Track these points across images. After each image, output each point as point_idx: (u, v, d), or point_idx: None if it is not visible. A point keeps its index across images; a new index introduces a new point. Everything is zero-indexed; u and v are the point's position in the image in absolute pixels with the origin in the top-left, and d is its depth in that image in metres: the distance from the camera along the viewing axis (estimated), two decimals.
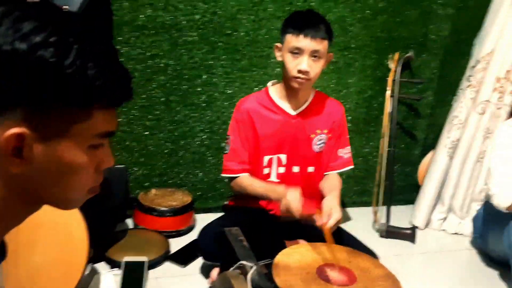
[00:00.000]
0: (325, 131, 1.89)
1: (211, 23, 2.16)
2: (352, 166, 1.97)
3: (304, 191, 1.72)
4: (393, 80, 2.46)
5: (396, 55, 2.47)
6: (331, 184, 1.86)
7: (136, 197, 2.18)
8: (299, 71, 1.67)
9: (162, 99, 2.21)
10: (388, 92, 2.45)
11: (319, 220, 1.56)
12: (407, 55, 2.50)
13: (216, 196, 2.42)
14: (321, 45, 1.67)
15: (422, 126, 2.75)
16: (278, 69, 2.28)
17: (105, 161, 0.68)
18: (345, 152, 1.96)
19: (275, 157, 1.87)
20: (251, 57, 2.26)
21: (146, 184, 2.30)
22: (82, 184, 0.66)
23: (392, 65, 2.47)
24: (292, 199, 1.62)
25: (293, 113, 1.83)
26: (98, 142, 0.64)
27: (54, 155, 0.60)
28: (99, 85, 0.59)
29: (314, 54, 1.67)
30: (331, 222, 1.54)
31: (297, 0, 2.25)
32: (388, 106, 2.46)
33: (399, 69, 2.46)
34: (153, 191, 2.24)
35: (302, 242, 1.78)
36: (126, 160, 2.22)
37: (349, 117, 2.53)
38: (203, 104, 2.27)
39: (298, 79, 1.70)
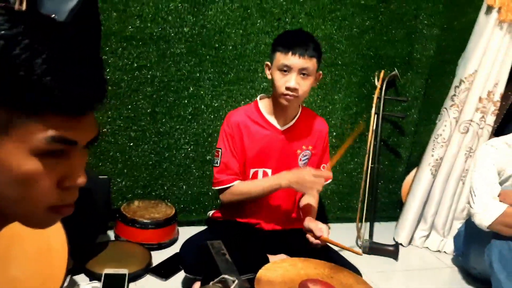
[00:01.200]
0: (310, 147, 1.93)
1: (199, 36, 2.17)
2: (331, 180, 1.99)
3: (286, 205, 1.79)
4: (378, 98, 2.49)
5: (382, 73, 2.51)
6: (307, 205, 1.93)
7: (118, 208, 2.15)
8: (288, 88, 1.69)
9: (148, 110, 2.20)
10: (373, 110, 2.48)
11: (316, 235, 1.67)
12: (393, 73, 2.54)
13: (199, 209, 2.40)
14: (310, 63, 1.69)
15: (406, 143, 2.78)
16: (265, 83, 2.30)
17: (71, 177, 0.61)
18: (327, 167, 1.98)
19: (260, 170, 1.88)
20: (239, 71, 2.27)
21: (129, 195, 2.28)
22: (37, 198, 0.59)
23: (377, 82, 2.50)
24: (308, 171, 1.71)
25: (281, 128, 1.85)
26: (51, 148, 0.57)
27: None
28: (45, 83, 0.54)
29: (303, 72, 1.69)
30: (325, 233, 1.67)
31: (285, 16, 2.28)
32: (373, 123, 2.48)
33: (384, 87, 2.50)
34: (136, 202, 2.22)
35: (283, 256, 1.78)
36: (109, 171, 2.20)
37: (334, 133, 2.56)
38: (189, 117, 2.27)
39: (287, 96, 1.71)
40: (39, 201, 0.60)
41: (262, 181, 1.84)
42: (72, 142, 0.59)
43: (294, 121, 1.87)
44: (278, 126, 1.85)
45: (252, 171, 1.87)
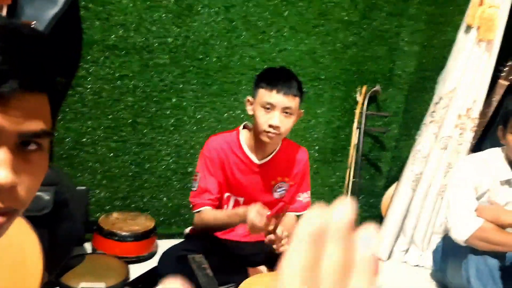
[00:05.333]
0: (286, 178, 1.91)
1: (183, 46, 2.16)
2: (306, 210, 1.99)
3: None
4: (360, 113, 2.51)
5: (364, 88, 2.53)
6: (286, 225, 1.86)
7: (96, 220, 2.10)
8: (270, 126, 1.68)
9: (129, 120, 2.17)
10: (355, 124, 2.50)
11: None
12: (374, 88, 2.57)
13: (180, 221, 2.37)
14: (293, 102, 1.69)
15: (386, 158, 2.80)
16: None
17: None
18: (305, 197, 1.98)
19: (233, 198, 1.89)
20: (222, 83, 2.26)
21: (108, 207, 2.23)
22: None
23: (359, 97, 2.52)
24: (254, 216, 1.59)
25: (258, 162, 1.85)
26: None
27: None
28: None
29: (286, 111, 1.68)
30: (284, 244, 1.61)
31: (270, 29, 2.29)
32: (354, 138, 2.50)
33: (366, 102, 2.52)
34: (115, 214, 2.17)
35: (263, 268, 1.77)
36: (88, 182, 2.16)
37: (317, 147, 2.56)
38: (171, 128, 2.24)
39: (269, 134, 1.70)
40: None
41: (223, 214, 1.80)
42: None
43: (272, 155, 1.87)
44: (255, 160, 1.84)
45: (226, 195, 1.88)
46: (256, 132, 1.77)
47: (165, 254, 1.79)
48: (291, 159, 1.92)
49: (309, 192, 2.00)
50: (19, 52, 0.50)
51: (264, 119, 1.69)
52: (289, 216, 1.95)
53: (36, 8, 1.71)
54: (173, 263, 1.69)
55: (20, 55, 0.51)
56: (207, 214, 1.81)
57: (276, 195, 1.91)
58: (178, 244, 1.85)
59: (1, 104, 0.49)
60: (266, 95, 1.68)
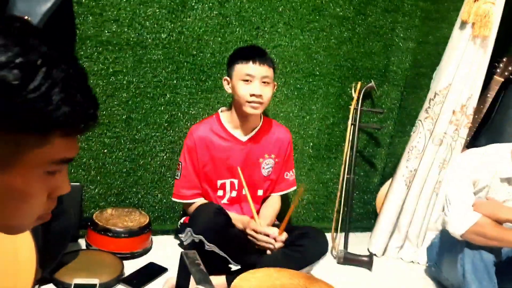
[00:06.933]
0: (273, 156, 2.03)
1: (177, 42, 2.15)
2: (295, 187, 2.11)
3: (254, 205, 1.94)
4: (355, 109, 2.51)
5: (359, 85, 2.53)
6: (269, 208, 2.05)
7: (90, 216, 2.10)
8: (252, 95, 1.80)
9: (123, 116, 2.16)
10: (350, 120, 2.50)
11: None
12: (369, 85, 2.56)
13: (174, 217, 2.36)
14: (269, 72, 1.84)
15: (381, 154, 2.80)
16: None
17: (59, 188, 0.63)
18: (290, 175, 2.13)
19: (228, 181, 1.95)
20: (216, 79, 2.25)
21: (102, 203, 2.22)
22: (32, 212, 0.61)
23: (354, 94, 2.52)
24: (265, 242, 1.80)
25: (243, 139, 1.93)
26: (54, 169, 0.60)
27: (6, 180, 0.56)
28: (62, 112, 0.54)
29: (264, 80, 1.82)
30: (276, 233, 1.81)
31: (264, 25, 2.28)
32: (349, 134, 2.50)
33: (361, 98, 2.52)
34: (109, 210, 2.17)
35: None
36: (81, 178, 2.15)
37: (311, 143, 2.56)
38: (165, 124, 2.24)
39: (252, 103, 1.82)
40: (35, 213, 0.62)
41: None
42: (71, 160, 0.62)
43: (255, 131, 1.97)
44: (240, 138, 1.95)
45: (219, 182, 1.96)
46: (238, 108, 1.89)
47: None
48: (275, 136, 2.03)
49: (293, 170, 2.15)
50: (94, 97, 0.61)
51: (245, 91, 1.81)
52: (273, 197, 2.10)
53: (28, 3, 1.70)
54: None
55: (96, 100, 0.61)
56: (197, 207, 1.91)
57: (265, 172, 2.03)
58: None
59: (74, 141, 0.60)
60: (244, 67, 1.82)
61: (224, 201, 2.01)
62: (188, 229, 1.75)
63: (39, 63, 0.53)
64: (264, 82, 1.83)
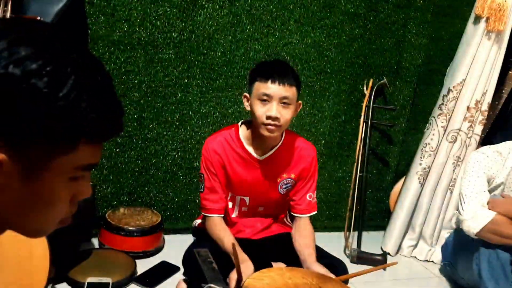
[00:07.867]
0: (292, 175, 1.85)
1: (188, 41, 2.15)
2: (315, 212, 1.94)
3: (269, 212, 1.85)
4: (367, 106, 2.49)
5: (371, 82, 2.51)
6: (306, 241, 1.81)
7: (103, 215, 2.11)
8: (269, 117, 1.64)
9: (135, 116, 2.17)
10: (362, 118, 2.48)
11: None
12: (381, 82, 2.54)
13: (186, 217, 2.37)
14: (290, 92, 1.65)
15: (394, 152, 2.78)
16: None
17: (82, 193, 0.65)
18: (313, 197, 1.92)
19: (238, 197, 1.86)
20: (227, 77, 2.25)
21: (115, 202, 2.24)
22: (55, 216, 0.62)
23: (366, 91, 2.50)
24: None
25: (260, 158, 1.80)
26: (79, 175, 0.61)
27: (32, 186, 0.57)
28: (90, 119, 0.55)
29: (283, 101, 1.64)
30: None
31: (274, 23, 2.27)
32: (361, 132, 2.48)
33: (373, 95, 2.50)
34: (122, 210, 2.18)
35: (282, 265, 1.74)
36: (94, 177, 2.16)
37: (323, 141, 2.55)
38: (177, 123, 2.24)
39: (268, 126, 1.65)
40: (56, 218, 0.63)
41: (227, 244, 1.71)
42: (96, 166, 0.63)
43: (274, 150, 1.81)
44: (256, 156, 1.79)
45: (230, 194, 1.85)
46: (255, 127, 1.72)
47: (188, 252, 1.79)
48: (297, 153, 1.86)
49: (315, 192, 1.94)
50: (120, 103, 0.63)
51: (262, 111, 1.64)
52: (304, 225, 1.87)
53: (41, 3, 1.71)
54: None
55: (122, 106, 0.63)
56: (215, 228, 1.78)
57: (282, 191, 1.87)
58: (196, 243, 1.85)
59: (100, 147, 0.62)
60: (262, 86, 1.64)
61: (235, 215, 1.90)
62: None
63: (68, 70, 0.54)
64: (283, 103, 1.65)
